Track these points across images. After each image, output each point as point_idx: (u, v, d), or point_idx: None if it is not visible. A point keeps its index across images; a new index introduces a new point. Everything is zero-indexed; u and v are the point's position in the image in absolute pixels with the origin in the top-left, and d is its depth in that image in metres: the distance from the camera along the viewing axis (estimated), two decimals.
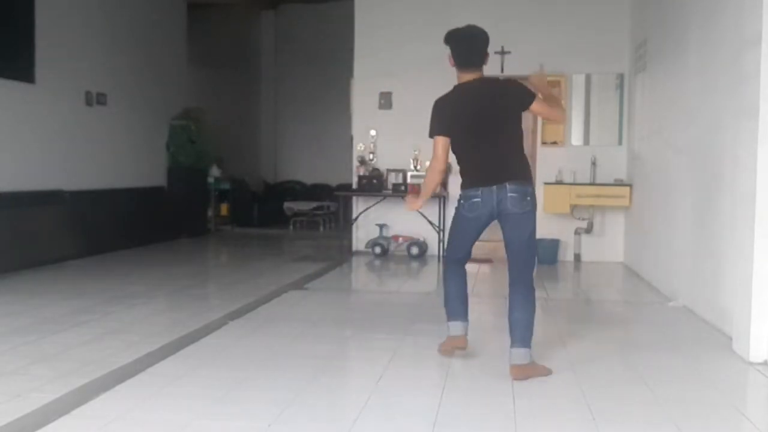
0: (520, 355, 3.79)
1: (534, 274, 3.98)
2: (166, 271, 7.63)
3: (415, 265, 8.36)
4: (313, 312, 5.61)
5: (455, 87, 4.09)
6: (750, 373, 3.98)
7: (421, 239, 8.81)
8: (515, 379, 3.74)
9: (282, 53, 14.38)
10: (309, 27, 13.94)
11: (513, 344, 3.82)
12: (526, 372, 3.77)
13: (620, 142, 8.59)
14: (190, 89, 11.33)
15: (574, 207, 8.47)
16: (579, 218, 8.60)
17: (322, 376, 3.81)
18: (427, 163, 8.94)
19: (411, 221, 8.82)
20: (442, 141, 4.01)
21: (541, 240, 8.51)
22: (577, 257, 8.65)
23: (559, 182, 8.51)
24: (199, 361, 4.05)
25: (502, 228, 4.07)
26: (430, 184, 4.24)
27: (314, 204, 12.59)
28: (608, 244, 8.61)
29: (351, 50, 9.16)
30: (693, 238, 5.60)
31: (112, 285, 6.53)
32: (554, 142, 8.72)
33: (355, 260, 8.67)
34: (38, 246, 7.50)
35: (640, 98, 7.79)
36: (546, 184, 8.54)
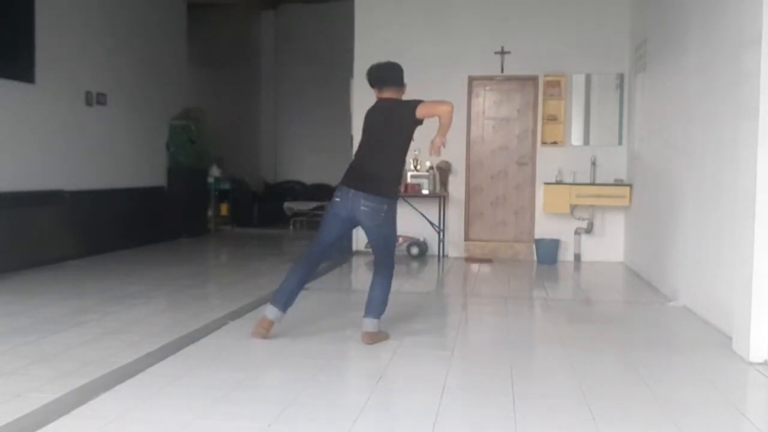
0: (372, 324, 4.47)
1: (393, 261, 4.60)
2: (166, 271, 7.63)
3: (415, 265, 8.35)
4: (313, 312, 5.61)
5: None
6: (750, 373, 3.98)
7: (421, 239, 8.81)
8: (366, 343, 4.41)
9: (282, 53, 14.38)
10: (309, 27, 13.93)
11: (367, 315, 4.48)
12: (374, 338, 4.45)
13: (620, 142, 8.59)
14: (190, 89, 11.33)
15: (574, 207, 8.47)
16: (579, 218, 8.61)
17: (322, 376, 3.81)
18: (427, 163, 8.97)
19: (411, 221, 8.82)
20: None
21: (541, 240, 8.55)
22: (577, 257, 8.66)
23: (559, 182, 8.51)
24: (199, 361, 4.05)
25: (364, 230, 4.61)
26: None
27: (314, 204, 12.59)
28: (608, 244, 8.61)
29: (351, 50, 9.16)
30: (693, 238, 5.60)
31: (112, 285, 6.53)
32: (554, 142, 8.72)
33: (355, 260, 8.67)
34: (38, 246, 7.50)
35: (640, 98, 7.79)
36: (546, 184, 8.55)
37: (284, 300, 4.53)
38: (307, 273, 4.63)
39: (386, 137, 4.52)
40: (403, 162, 4.67)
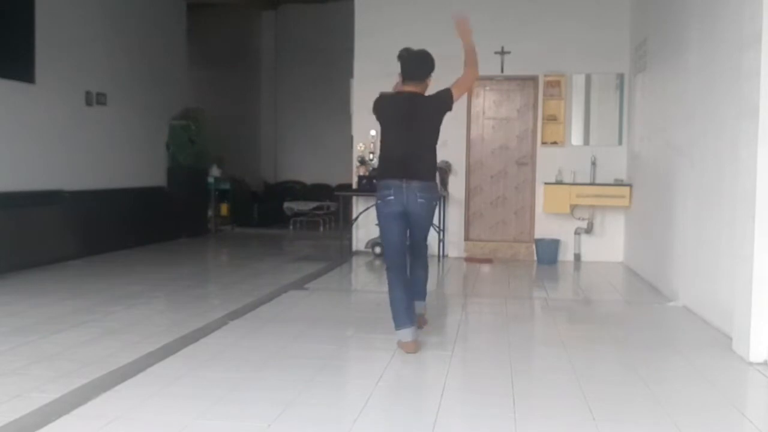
0: (423, 306, 4.79)
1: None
2: (166, 271, 7.63)
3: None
4: (313, 312, 5.61)
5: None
6: (750, 373, 3.98)
7: None
8: (421, 326, 4.70)
9: (282, 53, 14.38)
10: (309, 27, 13.93)
11: (418, 299, 4.68)
12: (423, 321, 4.76)
13: (620, 142, 8.59)
14: (190, 89, 11.34)
15: (574, 207, 8.47)
16: (579, 218, 8.61)
17: (322, 376, 3.81)
18: None
19: None
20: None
21: (541, 240, 8.55)
22: (577, 257, 8.65)
23: (559, 182, 8.51)
24: (199, 361, 4.04)
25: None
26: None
27: (314, 204, 12.60)
28: (608, 244, 8.61)
29: (351, 50, 9.16)
30: (693, 238, 5.60)
31: (112, 285, 6.53)
32: (554, 142, 8.72)
33: (355, 260, 8.67)
34: (38, 246, 7.50)
35: (640, 98, 7.79)
36: (546, 184, 8.54)
37: (408, 317, 4.32)
38: (405, 280, 4.47)
39: (419, 127, 4.43)
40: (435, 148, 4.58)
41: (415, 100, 4.45)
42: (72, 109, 8.42)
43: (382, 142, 4.55)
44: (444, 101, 4.48)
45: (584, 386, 3.64)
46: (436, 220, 8.67)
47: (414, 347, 4.28)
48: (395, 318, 4.35)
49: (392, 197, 4.34)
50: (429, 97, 4.52)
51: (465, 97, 8.77)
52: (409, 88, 4.48)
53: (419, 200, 4.33)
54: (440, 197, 4.49)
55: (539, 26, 8.71)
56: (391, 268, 4.50)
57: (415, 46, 9.38)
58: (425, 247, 4.75)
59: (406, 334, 4.29)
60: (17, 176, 7.40)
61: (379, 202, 4.43)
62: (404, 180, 4.31)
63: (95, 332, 4.71)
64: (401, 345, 4.31)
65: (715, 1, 5.26)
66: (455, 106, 4.60)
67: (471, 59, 4.72)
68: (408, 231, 4.50)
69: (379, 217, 4.52)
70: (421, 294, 4.74)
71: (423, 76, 4.50)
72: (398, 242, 4.45)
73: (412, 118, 4.42)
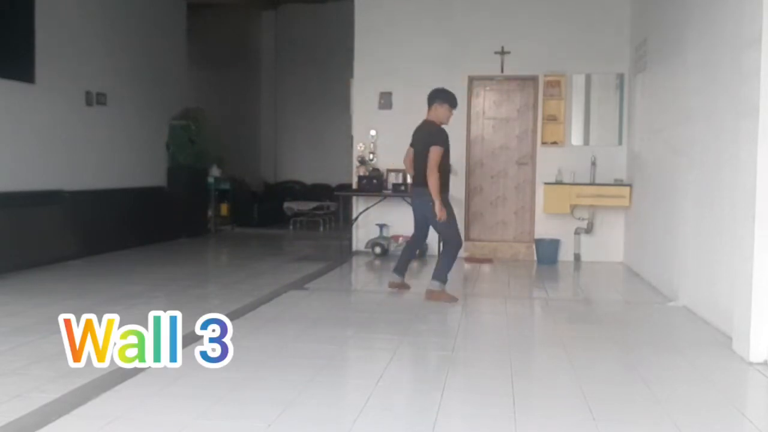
0: (433, 284, 5.90)
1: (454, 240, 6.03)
2: (166, 271, 7.63)
3: (415, 265, 8.34)
4: (313, 312, 5.61)
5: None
6: (750, 373, 3.98)
7: None
8: (426, 299, 5.86)
9: (282, 53, 14.38)
10: (309, 27, 13.93)
11: (432, 278, 5.92)
12: (434, 296, 5.85)
13: (620, 142, 8.59)
14: (190, 89, 11.33)
15: (574, 207, 8.46)
16: (579, 218, 8.60)
17: (322, 376, 3.81)
18: None
19: (411, 221, 8.81)
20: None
21: (541, 240, 8.55)
22: (577, 257, 8.65)
23: (559, 182, 8.50)
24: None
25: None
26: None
27: (314, 204, 12.60)
28: (608, 244, 8.61)
29: (351, 50, 9.16)
30: (693, 238, 5.60)
31: (112, 285, 6.53)
32: (554, 142, 8.72)
33: (355, 260, 8.67)
34: (38, 246, 7.50)
35: (640, 98, 7.79)
36: (546, 184, 8.54)
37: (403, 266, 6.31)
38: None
39: (420, 150, 5.96)
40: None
41: (423, 126, 6.13)
42: (72, 109, 8.42)
43: (443, 163, 5.89)
44: (434, 133, 5.96)
45: (584, 386, 3.64)
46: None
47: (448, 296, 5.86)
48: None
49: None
50: (430, 125, 6.03)
51: (465, 97, 8.80)
52: (428, 114, 6.11)
53: (416, 200, 6.08)
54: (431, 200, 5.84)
55: (539, 26, 8.71)
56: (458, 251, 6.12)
57: (415, 45, 9.44)
58: (445, 236, 6.09)
59: (434, 284, 5.95)
60: (17, 176, 7.40)
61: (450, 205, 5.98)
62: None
63: None
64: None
65: (715, 1, 5.26)
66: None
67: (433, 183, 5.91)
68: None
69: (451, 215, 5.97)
70: (435, 275, 5.96)
71: (431, 102, 6.09)
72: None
73: (419, 140, 6.12)
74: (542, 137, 8.76)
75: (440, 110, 5.99)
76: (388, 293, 6.34)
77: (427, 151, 5.79)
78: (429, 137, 5.85)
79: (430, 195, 5.75)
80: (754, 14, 4.17)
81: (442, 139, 5.86)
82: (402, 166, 8.95)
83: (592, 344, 4.69)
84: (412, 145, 6.13)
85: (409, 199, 8.70)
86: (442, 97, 6.03)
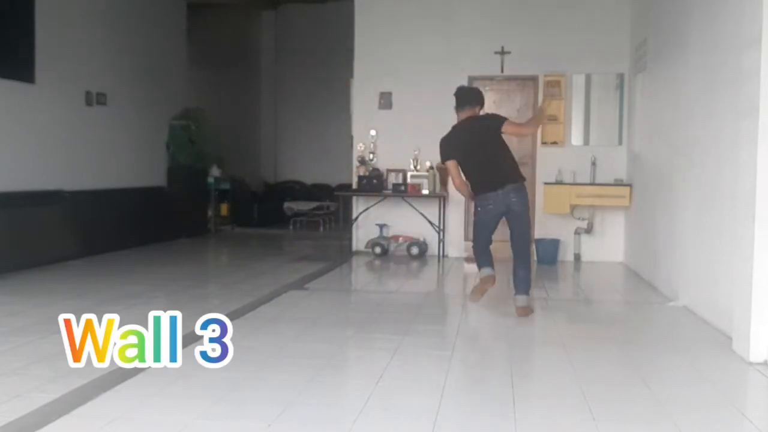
0: (524, 299, 5.35)
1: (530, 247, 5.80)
2: (166, 271, 7.63)
3: (415, 265, 8.35)
4: (313, 312, 5.61)
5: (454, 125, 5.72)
6: (750, 373, 3.98)
7: (421, 239, 8.81)
8: (520, 315, 5.28)
9: (282, 53, 14.39)
10: (309, 27, 13.94)
11: (518, 293, 5.36)
12: (527, 311, 5.33)
13: (620, 142, 8.58)
14: (190, 89, 11.33)
15: (574, 207, 8.46)
16: (579, 218, 8.60)
17: (322, 376, 3.81)
18: (427, 163, 9.00)
19: (411, 221, 8.83)
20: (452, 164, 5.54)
21: (541, 240, 8.55)
22: (577, 257, 8.65)
23: (559, 182, 8.50)
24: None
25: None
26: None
27: (314, 204, 12.60)
28: (608, 244, 8.60)
29: (351, 50, 9.16)
30: (693, 238, 5.60)
31: (112, 285, 6.53)
32: (554, 142, 8.72)
33: (355, 260, 8.67)
34: (38, 246, 7.50)
35: (640, 98, 7.79)
36: (546, 184, 8.54)
37: (488, 261, 5.52)
38: (488, 251, 5.58)
39: (489, 144, 5.42)
40: (509, 152, 5.55)
41: (474, 122, 5.52)
42: (72, 109, 8.42)
43: (463, 170, 5.50)
44: (494, 119, 5.50)
45: (584, 386, 3.64)
46: (435, 220, 8.74)
47: (489, 283, 5.46)
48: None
49: (491, 206, 5.39)
50: (484, 116, 5.63)
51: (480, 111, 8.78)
52: (465, 114, 5.56)
53: (513, 199, 5.35)
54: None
55: (539, 26, 8.71)
56: (477, 248, 5.60)
57: (415, 45, 9.41)
58: (529, 245, 5.65)
59: (486, 270, 5.50)
60: (17, 176, 7.40)
61: (479, 210, 5.49)
62: (499, 189, 5.30)
63: None
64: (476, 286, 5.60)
65: (715, 1, 5.25)
66: None
67: (536, 122, 5.88)
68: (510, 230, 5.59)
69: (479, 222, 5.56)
70: (523, 289, 5.41)
71: (474, 103, 5.57)
72: (485, 237, 5.57)
73: (475, 137, 5.46)
74: (542, 137, 8.75)
75: (477, 114, 5.62)
76: (388, 293, 6.34)
77: (499, 136, 5.38)
78: (491, 123, 5.46)
79: (526, 194, 5.50)
80: (754, 14, 4.17)
81: (503, 117, 5.51)
82: (401, 166, 9.04)
83: (592, 344, 4.68)
84: (454, 155, 5.51)
85: (410, 200, 8.74)
86: (479, 100, 5.66)
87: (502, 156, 5.44)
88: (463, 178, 5.53)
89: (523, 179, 5.49)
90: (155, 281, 6.86)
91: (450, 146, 5.55)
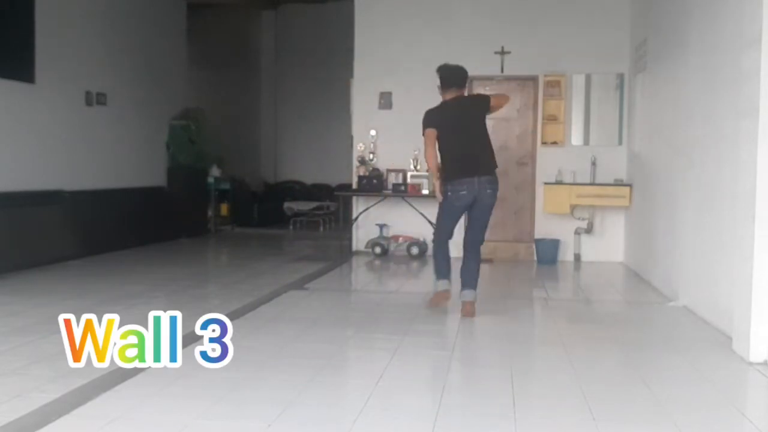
0: (472, 294, 5.26)
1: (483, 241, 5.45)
2: (166, 271, 7.63)
3: (415, 265, 8.35)
4: (313, 312, 5.61)
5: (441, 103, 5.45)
6: (750, 373, 3.98)
7: (421, 239, 8.80)
8: (465, 314, 5.22)
9: (282, 53, 14.38)
10: (309, 27, 13.93)
11: (465, 288, 5.27)
12: (472, 309, 5.24)
13: (620, 142, 8.59)
14: (190, 89, 11.33)
15: (574, 207, 8.46)
16: (579, 218, 8.60)
17: (322, 376, 3.81)
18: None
19: (411, 221, 8.83)
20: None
21: (541, 240, 8.55)
22: (577, 257, 8.65)
23: (559, 182, 8.50)
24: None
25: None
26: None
27: (314, 204, 12.60)
28: (608, 244, 8.60)
29: (351, 50, 9.16)
30: (693, 238, 5.60)
31: (112, 285, 6.53)
32: (554, 142, 8.72)
33: (355, 260, 8.67)
34: (38, 246, 7.50)
35: (640, 98, 7.79)
36: (546, 184, 8.54)
37: (447, 272, 5.35)
38: (448, 253, 5.43)
39: (474, 127, 5.28)
40: (490, 140, 5.39)
41: (461, 101, 5.36)
42: (72, 109, 8.42)
43: (442, 147, 5.28)
44: (482, 101, 5.39)
45: (584, 386, 3.64)
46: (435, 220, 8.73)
47: (444, 298, 5.35)
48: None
49: (465, 192, 5.16)
50: (470, 97, 5.63)
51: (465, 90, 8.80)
52: (451, 94, 5.35)
53: (488, 191, 5.17)
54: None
55: (539, 26, 8.71)
56: (438, 245, 5.44)
57: (415, 45, 9.43)
58: (481, 240, 5.43)
59: (442, 283, 5.36)
60: (17, 176, 7.40)
61: (450, 194, 5.21)
62: (476, 176, 5.12)
63: None
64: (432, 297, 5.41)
65: (715, 1, 5.25)
66: None
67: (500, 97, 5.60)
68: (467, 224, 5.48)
69: (447, 208, 5.34)
70: (470, 283, 5.30)
71: (461, 84, 5.39)
72: (449, 227, 5.39)
73: (464, 118, 5.28)
74: (542, 137, 8.76)
75: (463, 93, 5.49)
76: (388, 293, 6.34)
77: (484, 120, 5.28)
78: (479, 103, 5.38)
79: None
80: (754, 14, 4.17)
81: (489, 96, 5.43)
82: (401, 166, 9.04)
83: (592, 344, 4.68)
84: (438, 126, 5.25)
85: (410, 200, 8.73)
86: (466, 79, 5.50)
87: (485, 142, 5.29)
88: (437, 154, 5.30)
89: (497, 167, 5.32)
90: (155, 281, 6.86)
91: (435, 118, 5.30)
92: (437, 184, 5.32)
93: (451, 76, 5.37)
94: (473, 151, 5.21)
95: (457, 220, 5.43)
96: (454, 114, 5.29)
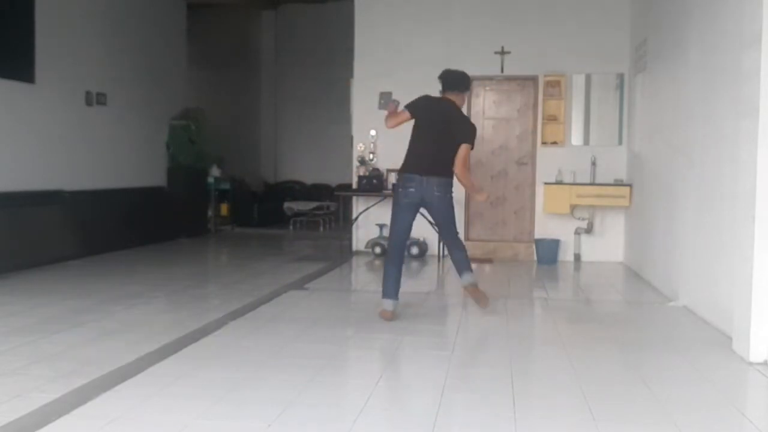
0: (470, 276, 5.27)
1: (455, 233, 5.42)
2: (166, 271, 7.63)
3: (415, 265, 8.35)
4: (313, 312, 5.61)
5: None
6: (750, 373, 3.98)
7: (421, 239, 8.80)
8: (474, 298, 5.34)
9: (282, 53, 14.39)
10: (309, 27, 13.94)
11: (464, 271, 5.27)
12: (476, 289, 5.30)
13: (620, 142, 8.59)
14: (190, 89, 11.33)
15: (574, 207, 8.47)
16: (579, 218, 8.61)
17: (322, 376, 3.81)
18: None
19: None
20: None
21: (541, 240, 8.55)
22: (577, 257, 8.65)
23: (559, 182, 8.50)
24: (199, 361, 4.05)
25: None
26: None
27: (314, 204, 12.60)
28: (608, 244, 8.61)
29: (351, 50, 9.16)
30: (693, 238, 5.60)
31: (112, 285, 6.53)
32: (554, 142, 8.72)
33: (355, 260, 8.67)
34: (38, 246, 7.50)
35: (640, 98, 7.79)
36: (546, 184, 8.54)
37: (395, 290, 5.15)
38: (401, 261, 5.24)
39: (447, 133, 5.14)
40: (454, 156, 5.19)
41: (451, 107, 5.27)
42: (72, 109, 8.42)
43: (411, 139, 5.26)
44: (466, 132, 5.19)
45: (584, 386, 3.64)
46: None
47: (387, 317, 5.09)
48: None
49: (413, 189, 5.09)
50: (463, 115, 5.39)
51: (466, 97, 8.79)
52: (450, 96, 5.30)
53: (435, 193, 5.10)
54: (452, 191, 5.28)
55: (539, 26, 8.71)
56: (390, 249, 5.29)
57: (415, 45, 9.41)
58: (455, 233, 5.39)
59: (387, 303, 5.13)
60: (17, 176, 7.40)
61: (400, 190, 5.16)
62: (424, 175, 5.07)
63: (95, 332, 4.71)
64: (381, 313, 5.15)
65: (715, 1, 5.26)
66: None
67: (470, 183, 5.44)
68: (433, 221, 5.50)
69: (396, 202, 5.26)
70: (465, 267, 5.28)
71: (463, 88, 5.36)
72: (401, 227, 5.21)
73: (444, 123, 5.17)
74: (542, 137, 8.76)
75: (463, 99, 5.43)
76: None
77: (456, 142, 5.09)
78: (464, 128, 5.19)
79: (451, 189, 5.22)
80: (754, 14, 4.17)
81: (474, 137, 5.22)
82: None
83: (592, 344, 4.68)
84: (416, 115, 5.25)
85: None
86: (468, 85, 5.47)
87: (447, 152, 5.10)
88: (394, 125, 5.32)
89: (452, 176, 5.16)
90: (155, 281, 6.86)
91: (420, 105, 5.28)
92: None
93: (454, 81, 5.35)
94: (432, 151, 5.12)
95: (406, 220, 5.19)
96: (438, 111, 5.23)
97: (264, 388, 3.59)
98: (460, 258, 5.35)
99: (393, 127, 5.33)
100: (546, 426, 3.16)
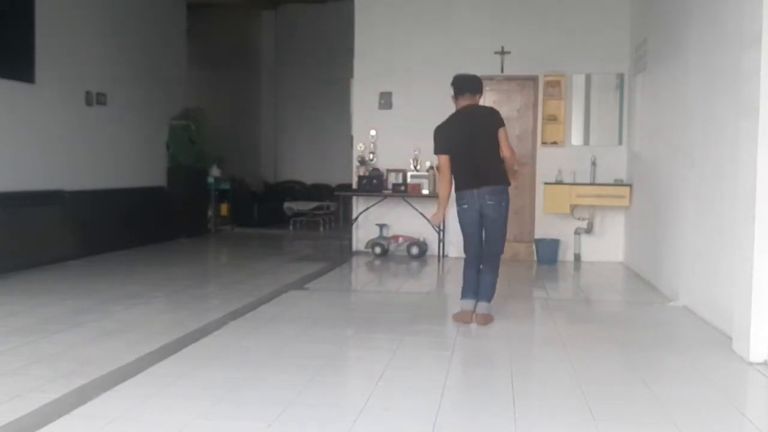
0: (486, 307, 5.14)
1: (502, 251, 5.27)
2: (166, 271, 7.63)
3: (415, 265, 8.35)
4: (313, 312, 5.61)
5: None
6: (750, 373, 3.98)
7: (421, 239, 8.81)
8: (481, 324, 5.06)
9: (282, 53, 14.39)
10: (309, 27, 13.94)
11: (481, 299, 5.14)
12: (487, 319, 5.11)
13: (620, 142, 8.59)
14: (190, 89, 11.33)
15: (574, 207, 8.46)
16: (579, 218, 8.60)
17: (322, 376, 3.81)
18: (427, 163, 9.00)
19: (411, 221, 8.83)
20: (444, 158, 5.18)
21: (541, 240, 8.55)
22: (577, 257, 8.65)
23: (559, 182, 8.50)
24: (199, 361, 4.05)
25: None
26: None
27: (314, 204, 12.60)
28: (608, 244, 8.60)
29: (351, 50, 9.16)
30: (693, 238, 5.60)
31: (112, 285, 6.53)
32: (554, 142, 8.72)
33: (355, 260, 8.67)
34: (38, 246, 7.50)
35: (640, 98, 7.79)
36: (546, 184, 8.54)
37: (473, 290, 5.16)
38: (478, 269, 5.21)
39: (479, 137, 5.12)
40: (499, 153, 5.14)
41: (474, 110, 5.23)
42: (72, 109, 8.42)
43: (452, 161, 5.15)
44: (494, 117, 5.16)
45: (584, 386, 3.64)
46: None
47: (466, 318, 5.12)
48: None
49: (466, 206, 5.11)
50: (479, 107, 5.33)
51: (479, 99, 8.78)
52: (465, 101, 5.24)
53: (488, 202, 5.04)
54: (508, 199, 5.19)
55: (539, 26, 8.71)
56: (467, 258, 5.24)
57: (415, 45, 9.41)
58: (499, 252, 5.23)
59: (467, 303, 5.17)
60: (17, 176, 7.40)
61: (459, 209, 5.19)
62: (475, 189, 5.05)
63: (95, 332, 4.71)
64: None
65: (715, 1, 5.26)
66: None
67: (514, 161, 5.26)
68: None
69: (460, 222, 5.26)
70: (486, 295, 5.19)
71: (474, 91, 5.27)
72: (474, 240, 5.20)
73: (472, 127, 5.14)
74: (542, 137, 8.76)
75: (476, 102, 5.32)
76: (388, 293, 6.33)
77: (492, 136, 5.04)
78: (488, 119, 5.13)
79: (506, 197, 5.12)
80: (754, 14, 4.17)
81: (500, 117, 5.14)
82: (401, 166, 9.03)
83: (592, 344, 4.68)
84: (448, 150, 5.13)
85: (410, 200, 8.73)
86: (480, 87, 5.36)
87: (491, 156, 5.09)
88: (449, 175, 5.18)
89: (507, 183, 5.12)
90: (155, 281, 6.86)
91: (443, 137, 5.19)
92: (440, 212, 5.27)
93: (464, 84, 5.28)
94: (475, 162, 5.08)
95: (474, 234, 5.18)
96: (463, 127, 5.15)
97: (264, 388, 3.59)
98: (490, 283, 5.18)
99: (450, 176, 5.18)
100: (546, 426, 3.16)
